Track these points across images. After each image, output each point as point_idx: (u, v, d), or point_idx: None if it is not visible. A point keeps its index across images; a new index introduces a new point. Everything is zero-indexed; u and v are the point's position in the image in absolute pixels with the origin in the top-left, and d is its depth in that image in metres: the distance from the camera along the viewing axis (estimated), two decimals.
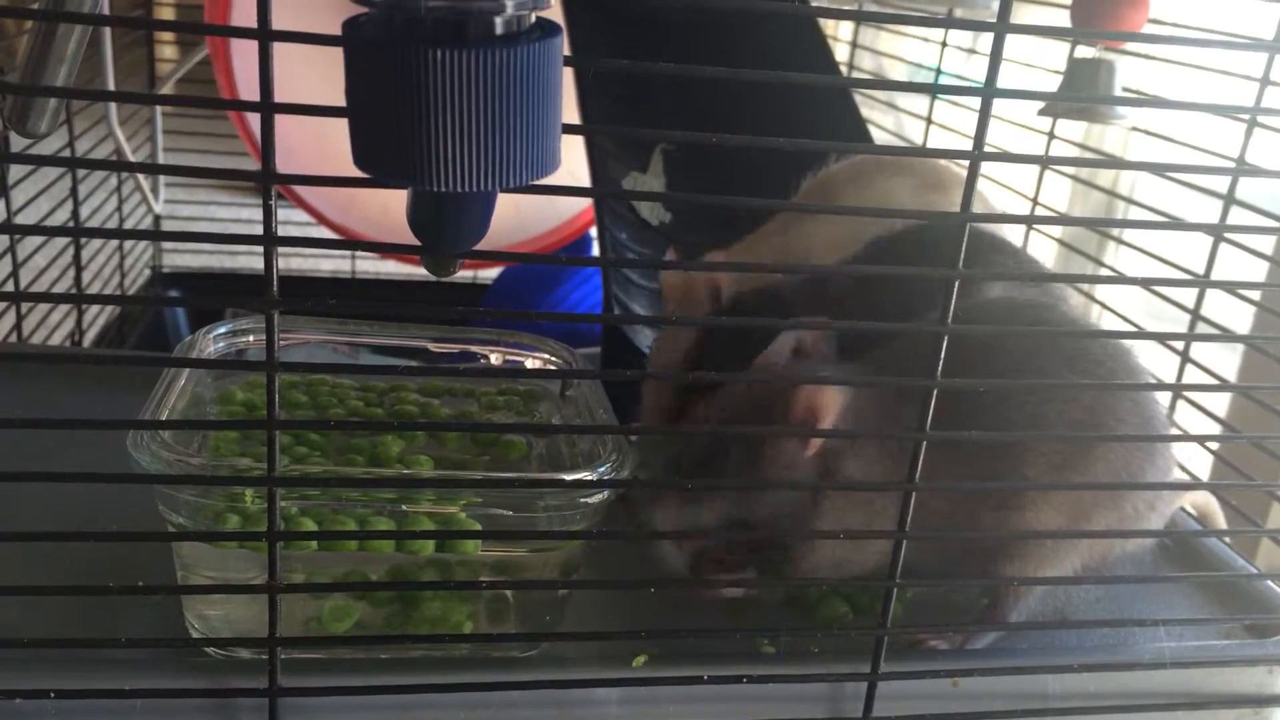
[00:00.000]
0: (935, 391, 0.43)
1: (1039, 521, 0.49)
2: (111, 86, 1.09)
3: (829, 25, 1.27)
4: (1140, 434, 0.50)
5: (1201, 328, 0.68)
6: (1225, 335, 0.68)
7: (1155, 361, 0.72)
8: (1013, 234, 0.89)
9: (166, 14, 1.68)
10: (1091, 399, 0.49)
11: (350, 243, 1.33)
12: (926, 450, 0.43)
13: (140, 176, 1.27)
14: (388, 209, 1.25)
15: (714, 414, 0.51)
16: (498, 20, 0.31)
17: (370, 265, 1.51)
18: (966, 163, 0.39)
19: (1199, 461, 0.74)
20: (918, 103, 1.23)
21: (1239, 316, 0.84)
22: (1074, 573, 0.51)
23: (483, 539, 0.47)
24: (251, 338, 0.58)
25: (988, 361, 0.49)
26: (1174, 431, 0.53)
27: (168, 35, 1.52)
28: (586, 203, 1.30)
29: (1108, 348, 0.51)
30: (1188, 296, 0.70)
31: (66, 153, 1.01)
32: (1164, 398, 0.70)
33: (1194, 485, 0.64)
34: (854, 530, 0.49)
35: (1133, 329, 0.71)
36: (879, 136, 1.16)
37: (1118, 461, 0.50)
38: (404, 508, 0.46)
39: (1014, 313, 0.52)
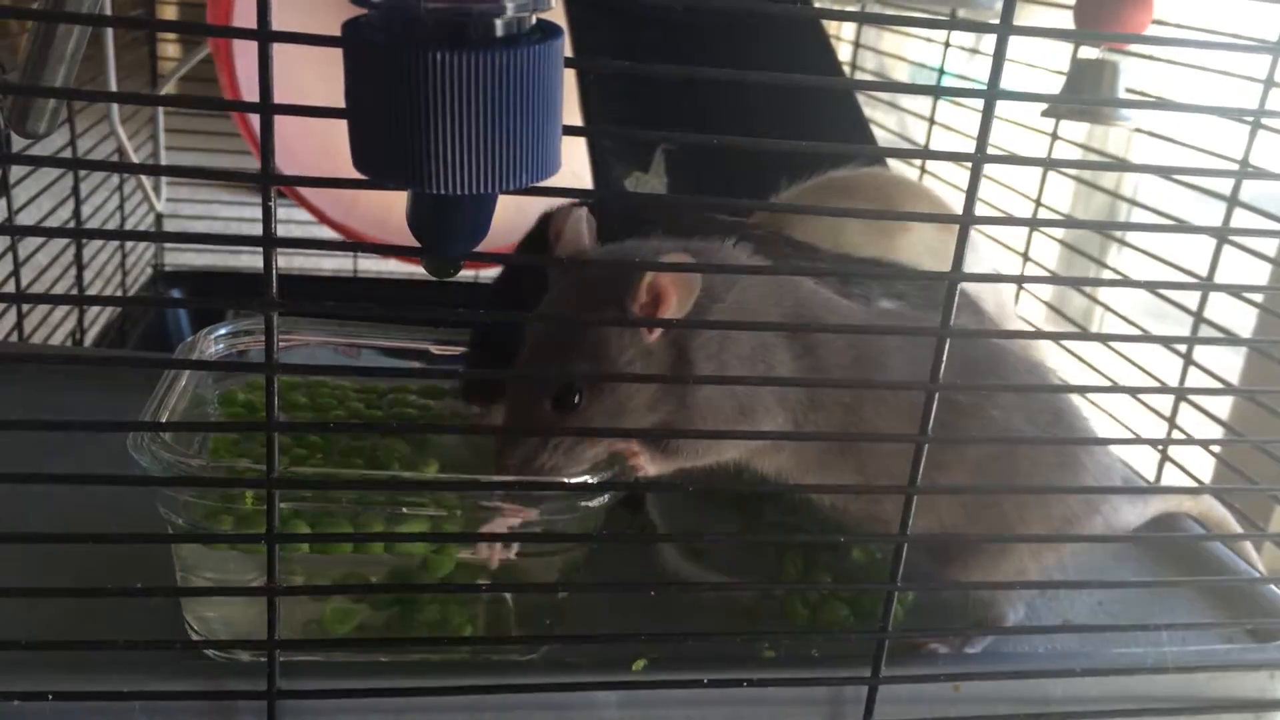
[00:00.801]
0: (936, 396, 0.43)
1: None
2: (113, 86, 1.09)
3: (832, 25, 1.27)
4: (1061, 444, 0.50)
5: (1204, 330, 0.68)
6: (1229, 339, 0.68)
7: (1158, 364, 0.72)
8: (1019, 234, 0.89)
9: (169, 13, 1.68)
10: (1015, 411, 0.49)
11: (350, 244, 1.33)
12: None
13: (142, 175, 1.26)
14: (391, 208, 1.25)
15: (541, 338, 0.47)
16: (498, 22, 0.31)
17: (372, 265, 1.51)
18: (921, 194, 0.39)
19: (1202, 465, 0.74)
20: (921, 103, 1.23)
21: (1242, 319, 0.84)
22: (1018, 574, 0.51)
23: (482, 542, 0.47)
24: (252, 338, 0.58)
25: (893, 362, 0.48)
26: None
27: (170, 34, 1.51)
28: (589, 202, 1.29)
29: (1027, 364, 0.51)
30: (1190, 298, 0.70)
31: (68, 152, 1.01)
32: (1165, 401, 0.70)
33: (1195, 489, 0.63)
34: (859, 536, 0.49)
35: (1136, 331, 0.70)
36: (881, 137, 1.15)
37: (1036, 475, 0.49)
38: (403, 510, 0.46)
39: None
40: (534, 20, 0.32)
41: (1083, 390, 0.50)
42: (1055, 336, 0.50)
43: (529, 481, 0.47)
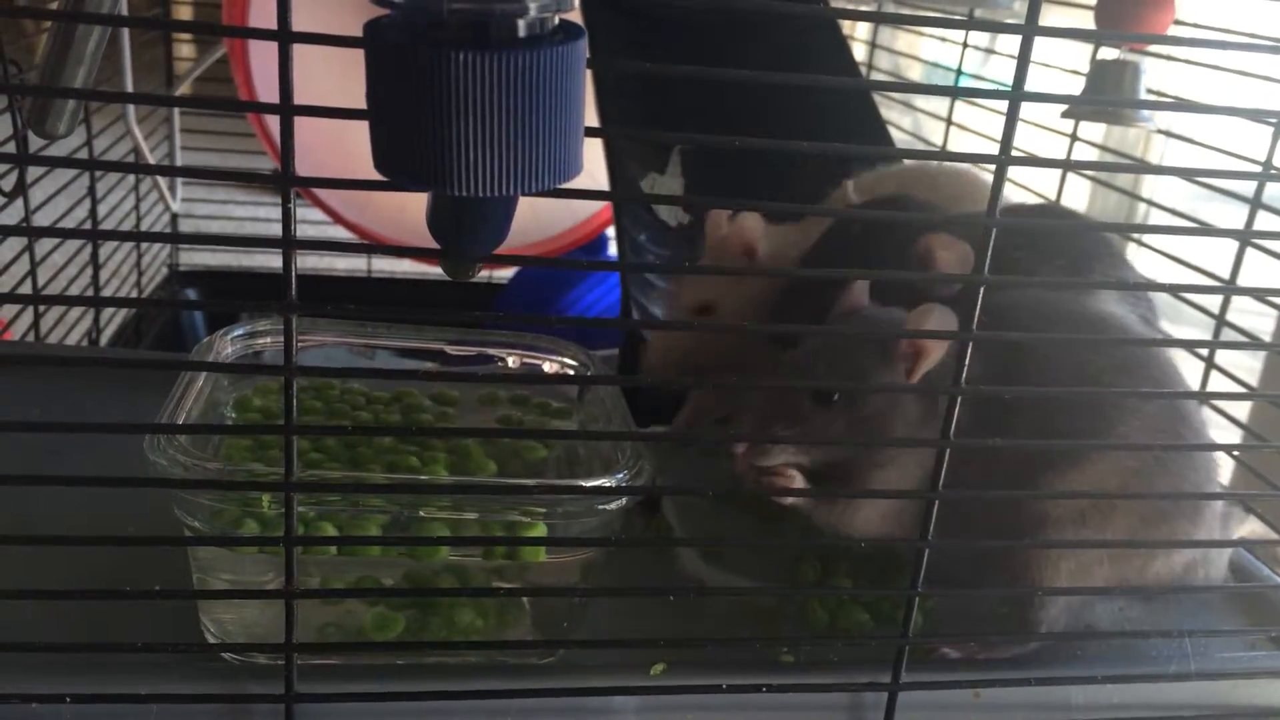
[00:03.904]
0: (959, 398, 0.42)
1: (1055, 506, 0.48)
2: (130, 86, 1.09)
3: (846, 24, 1.26)
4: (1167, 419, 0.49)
5: (1225, 333, 0.67)
6: (1252, 343, 0.67)
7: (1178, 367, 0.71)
8: None
9: (184, 13, 1.68)
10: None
11: (370, 246, 1.33)
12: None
13: (158, 175, 1.27)
14: (404, 207, 1.25)
15: (811, 356, 0.50)
16: (520, 23, 0.30)
17: (386, 265, 1.51)
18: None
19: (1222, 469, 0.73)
20: (936, 103, 1.22)
21: (1259, 321, 0.83)
22: (1103, 583, 0.50)
23: (500, 545, 0.47)
24: (268, 339, 0.58)
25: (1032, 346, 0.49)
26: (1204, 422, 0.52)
27: (185, 34, 1.52)
28: (604, 203, 1.30)
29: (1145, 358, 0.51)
30: (1210, 300, 0.69)
31: (85, 152, 1.01)
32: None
33: (1217, 495, 0.63)
34: (875, 538, 0.49)
35: (1157, 335, 0.70)
36: (897, 137, 1.15)
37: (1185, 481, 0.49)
38: (420, 513, 0.45)
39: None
40: (556, 21, 0.32)
41: (1103, 394, 0.49)
42: (1077, 339, 0.50)
43: (546, 486, 0.47)
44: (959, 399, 0.42)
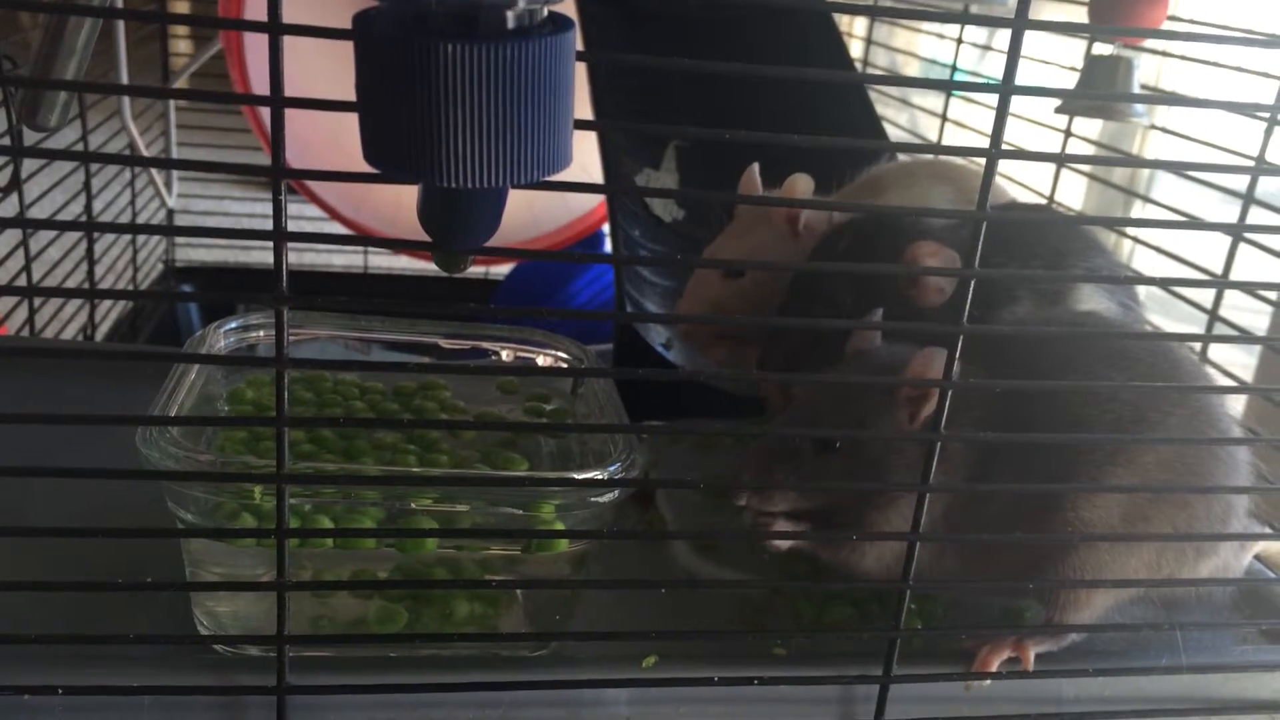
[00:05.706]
0: (951, 393, 0.42)
1: (1086, 520, 0.48)
2: (125, 80, 1.09)
3: (843, 21, 1.26)
4: (1190, 426, 0.49)
5: (1219, 327, 0.68)
6: (1245, 336, 0.68)
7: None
8: None
9: (181, 7, 1.68)
10: (1133, 394, 0.49)
11: (361, 239, 1.33)
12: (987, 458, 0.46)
13: (154, 170, 1.27)
14: (400, 204, 1.25)
15: (815, 397, 0.50)
16: (509, 14, 0.30)
17: (383, 260, 1.51)
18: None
19: None
20: (932, 99, 1.22)
21: (1254, 317, 0.83)
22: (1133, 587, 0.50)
23: (492, 538, 0.47)
24: (262, 333, 0.58)
25: (1030, 364, 0.49)
26: (1233, 422, 0.52)
27: (182, 29, 1.52)
28: (599, 199, 1.30)
29: (1149, 346, 0.51)
30: (1203, 295, 0.69)
31: (80, 146, 1.01)
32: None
33: (1211, 489, 0.63)
34: (867, 533, 0.49)
35: (1151, 329, 0.70)
36: (893, 134, 1.15)
37: (1170, 453, 0.48)
38: (412, 505, 0.45)
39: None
40: (545, 12, 0.32)
41: (1096, 387, 0.49)
42: (1069, 334, 0.50)
43: (538, 479, 0.47)
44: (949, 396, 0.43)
